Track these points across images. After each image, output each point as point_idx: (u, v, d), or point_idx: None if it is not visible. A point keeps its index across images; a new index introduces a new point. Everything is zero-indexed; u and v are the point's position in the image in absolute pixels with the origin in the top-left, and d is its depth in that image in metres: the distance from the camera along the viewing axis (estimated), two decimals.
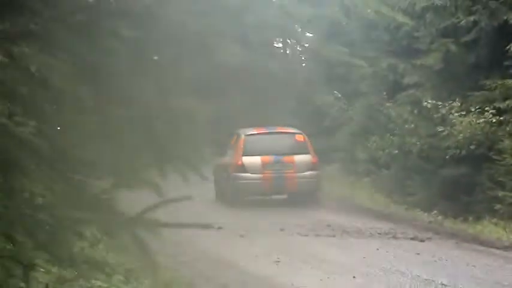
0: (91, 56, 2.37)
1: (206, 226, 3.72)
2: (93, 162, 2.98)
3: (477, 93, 15.85)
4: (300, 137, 17.61)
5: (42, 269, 5.27)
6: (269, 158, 16.82)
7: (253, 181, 16.61)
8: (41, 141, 2.58)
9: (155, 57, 2.69)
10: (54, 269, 6.06)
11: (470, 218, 14.87)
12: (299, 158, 17.08)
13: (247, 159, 16.75)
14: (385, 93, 20.42)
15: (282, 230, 13.92)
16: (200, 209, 13.11)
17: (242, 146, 16.92)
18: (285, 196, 17.63)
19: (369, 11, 3.46)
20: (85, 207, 3.22)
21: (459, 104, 16.03)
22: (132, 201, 4.21)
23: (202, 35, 2.51)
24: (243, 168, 16.72)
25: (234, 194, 16.76)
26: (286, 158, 16.98)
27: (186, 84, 2.92)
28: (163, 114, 2.85)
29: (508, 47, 14.90)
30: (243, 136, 17.21)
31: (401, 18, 3.57)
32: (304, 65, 32.66)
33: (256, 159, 16.77)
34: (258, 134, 17.37)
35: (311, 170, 17.16)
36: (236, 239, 12.93)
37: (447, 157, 15.88)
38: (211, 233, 12.65)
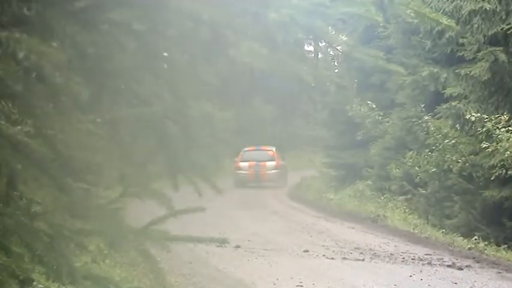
0: (91, 48, 2.33)
1: (221, 242, 3.66)
2: (97, 168, 2.94)
3: None
4: (271, 152, 35.32)
5: (40, 285, 5.25)
6: (253, 163, 34.21)
7: (244, 175, 34.03)
8: (37, 143, 2.55)
9: (165, 53, 2.64)
10: (54, 286, 6.05)
11: None
12: (268, 163, 34.53)
13: (242, 163, 34.12)
14: (423, 105, 20.33)
15: (306, 251, 13.87)
16: (215, 221, 13.10)
17: (240, 156, 34.14)
18: (273, 183, 33.47)
19: (409, 11, 3.41)
20: (87, 217, 3.19)
21: (507, 118, 15.89)
22: (140, 212, 4.18)
23: (218, 26, 2.47)
24: (239, 168, 34.00)
25: (236, 181, 32.89)
26: (261, 163, 34.34)
27: (202, 85, 2.88)
28: (177, 117, 2.81)
29: None
30: (242, 151, 34.40)
31: (445, 21, 3.51)
32: (336, 70, 32.62)
33: (246, 164, 34.20)
34: (249, 150, 34.59)
35: (275, 169, 34.43)
36: (255, 259, 12.90)
37: (492, 178, 15.73)
38: (228, 251, 12.64)
